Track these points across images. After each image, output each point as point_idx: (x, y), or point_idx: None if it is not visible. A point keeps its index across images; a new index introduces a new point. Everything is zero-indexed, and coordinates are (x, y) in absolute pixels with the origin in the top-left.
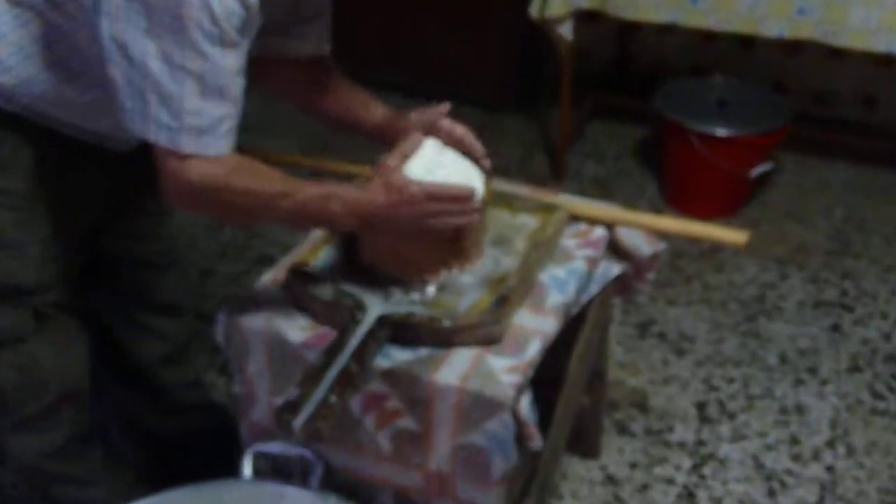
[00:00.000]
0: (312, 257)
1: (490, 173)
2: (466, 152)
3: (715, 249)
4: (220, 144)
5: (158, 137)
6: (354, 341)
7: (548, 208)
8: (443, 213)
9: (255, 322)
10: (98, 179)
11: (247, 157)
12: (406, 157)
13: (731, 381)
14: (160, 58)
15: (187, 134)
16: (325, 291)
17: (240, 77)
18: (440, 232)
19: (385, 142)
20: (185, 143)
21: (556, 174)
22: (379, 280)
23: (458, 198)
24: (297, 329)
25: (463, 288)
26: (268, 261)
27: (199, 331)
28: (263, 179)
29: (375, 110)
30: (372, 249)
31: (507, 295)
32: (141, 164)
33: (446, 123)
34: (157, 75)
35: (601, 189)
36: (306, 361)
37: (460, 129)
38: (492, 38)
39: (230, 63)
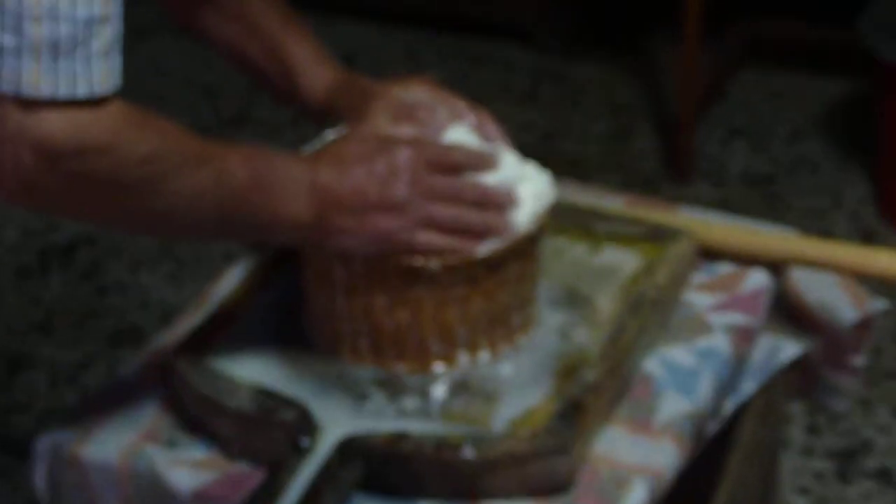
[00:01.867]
0: (220, 330)
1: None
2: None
3: None
4: (96, 72)
5: None
6: (295, 490)
7: (659, 236)
8: (455, 198)
9: (107, 454)
10: None
11: (131, 103)
12: (404, 118)
13: None
14: None
15: (33, 56)
16: (243, 395)
17: None
18: (453, 241)
19: (328, 122)
20: (32, 77)
21: (674, 168)
22: (343, 372)
23: (483, 166)
24: (186, 467)
25: (500, 385)
26: (130, 337)
27: (2, 472)
28: (169, 136)
29: (320, 68)
30: (330, 312)
31: (582, 399)
32: None
33: (460, 106)
34: None
35: (761, 195)
36: None
37: (485, 118)
38: None
39: None
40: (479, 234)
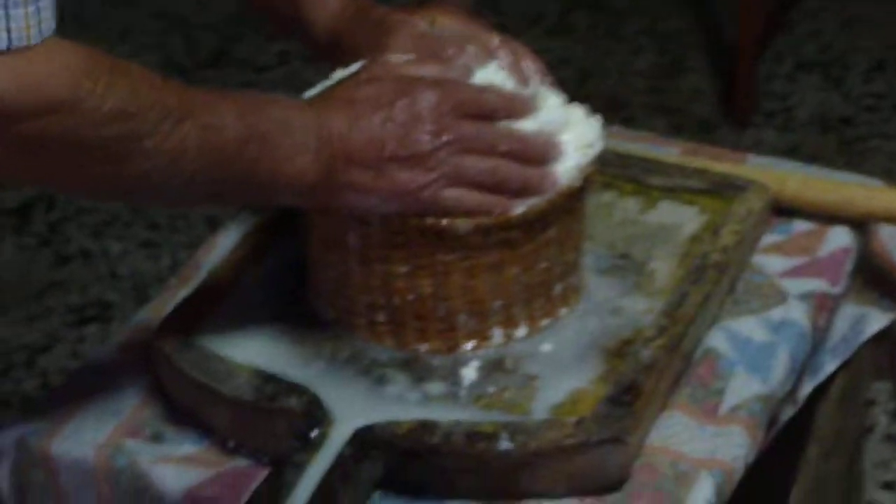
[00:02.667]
0: (212, 304)
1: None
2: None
3: None
4: (29, 19)
5: None
6: (304, 490)
7: (723, 189)
8: (488, 148)
9: (81, 450)
10: None
11: (93, 49)
12: (427, 55)
13: None
14: None
15: None
16: (240, 380)
17: None
18: (486, 198)
19: (336, 60)
20: None
21: (733, 109)
22: (357, 352)
23: (521, 111)
24: (174, 464)
25: (541, 365)
26: (98, 313)
27: None
28: (142, 86)
29: None
30: (341, 282)
31: (637, 380)
32: None
33: (494, 41)
34: None
35: (836, 140)
36: None
37: (523, 55)
38: None
39: None
40: (517, 190)
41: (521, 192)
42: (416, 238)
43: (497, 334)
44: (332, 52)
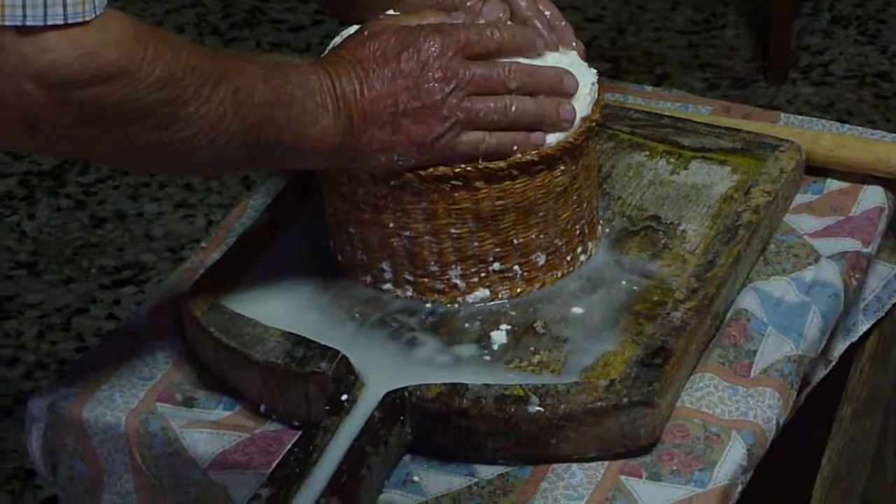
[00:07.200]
0: (243, 268)
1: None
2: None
3: None
4: None
5: None
6: (334, 454)
7: (755, 149)
8: (499, 86)
9: (113, 415)
10: None
11: (134, 18)
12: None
13: None
14: None
15: None
16: (271, 344)
17: None
18: (505, 137)
19: (351, 16)
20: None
21: (769, 65)
22: (388, 315)
23: (526, 44)
24: (206, 429)
25: (571, 327)
26: (133, 276)
27: None
28: (182, 53)
29: None
30: (369, 238)
31: (667, 342)
32: None
33: None
34: None
35: (873, 96)
36: (227, 501)
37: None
38: None
39: None
40: (534, 124)
41: (539, 125)
42: (432, 186)
43: (528, 287)
44: (345, 8)
